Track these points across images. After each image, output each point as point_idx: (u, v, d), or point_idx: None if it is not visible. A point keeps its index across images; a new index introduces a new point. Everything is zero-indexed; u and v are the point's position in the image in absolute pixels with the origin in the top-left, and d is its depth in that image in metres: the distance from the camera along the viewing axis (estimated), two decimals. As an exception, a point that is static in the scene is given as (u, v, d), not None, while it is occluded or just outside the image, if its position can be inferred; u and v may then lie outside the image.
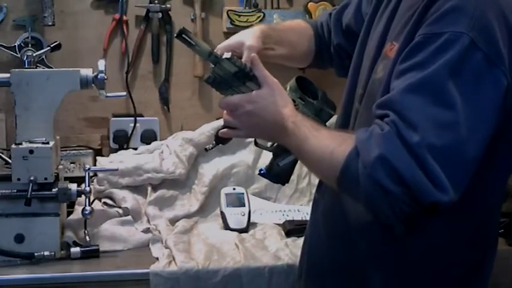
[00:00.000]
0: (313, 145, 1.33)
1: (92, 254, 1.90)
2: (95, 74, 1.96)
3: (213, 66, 1.45)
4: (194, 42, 1.43)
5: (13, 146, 1.88)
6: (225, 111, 1.48)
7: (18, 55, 2.39)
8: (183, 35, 1.41)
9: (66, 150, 2.39)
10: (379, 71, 1.36)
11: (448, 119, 1.20)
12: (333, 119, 1.62)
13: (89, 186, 1.91)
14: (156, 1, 2.54)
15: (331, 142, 1.31)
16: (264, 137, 1.53)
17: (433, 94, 1.21)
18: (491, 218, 1.42)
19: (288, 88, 1.57)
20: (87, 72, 1.96)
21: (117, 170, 2.12)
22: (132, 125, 2.52)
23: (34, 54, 2.31)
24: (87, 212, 1.89)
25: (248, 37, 1.53)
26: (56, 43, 2.34)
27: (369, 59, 1.45)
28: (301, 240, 1.69)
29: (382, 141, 1.21)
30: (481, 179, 1.28)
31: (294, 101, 1.52)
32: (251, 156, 2.34)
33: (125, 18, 2.53)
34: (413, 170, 1.18)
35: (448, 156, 1.19)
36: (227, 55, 1.44)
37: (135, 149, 2.40)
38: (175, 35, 1.44)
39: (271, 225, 2.14)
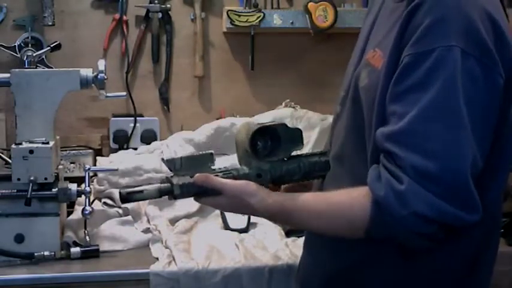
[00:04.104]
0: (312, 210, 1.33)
1: (91, 254, 1.90)
2: (95, 74, 1.96)
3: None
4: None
5: (13, 146, 1.88)
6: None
7: (18, 55, 2.39)
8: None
9: (66, 150, 2.39)
10: (363, 78, 1.35)
11: (463, 140, 1.19)
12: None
13: (89, 186, 1.91)
14: (156, 1, 2.54)
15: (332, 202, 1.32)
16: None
17: (446, 117, 1.20)
18: (495, 219, 1.41)
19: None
20: (87, 72, 1.96)
21: (117, 170, 2.12)
22: (132, 125, 2.52)
23: (34, 54, 2.31)
24: (87, 212, 1.89)
25: None
26: (56, 43, 2.35)
27: (352, 63, 1.45)
28: (301, 240, 1.69)
29: (408, 198, 1.19)
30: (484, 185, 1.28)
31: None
32: (251, 156, 2.34)
33: (125, 18, 2.54)
34: (439, 207, 1.18)
35: (470, 175, 1.19)
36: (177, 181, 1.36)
37: (135, 149, 2.40)
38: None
39: (271, 225, 2.14)
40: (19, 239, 1.87)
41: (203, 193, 1.37)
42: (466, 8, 1.22)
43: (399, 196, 1.19)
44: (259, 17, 2.52)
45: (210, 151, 1.45)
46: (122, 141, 2.51)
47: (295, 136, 1.42)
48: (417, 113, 1.20)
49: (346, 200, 1.29)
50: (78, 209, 2.07)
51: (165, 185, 1.37)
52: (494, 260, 1.43)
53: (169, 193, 1.37)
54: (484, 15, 1.23)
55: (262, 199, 1.35)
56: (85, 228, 1.98)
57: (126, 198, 1.35)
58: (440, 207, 1.18)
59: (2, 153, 2.06)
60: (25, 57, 2.32)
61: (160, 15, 2.54)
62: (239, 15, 2.52)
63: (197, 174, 1.36)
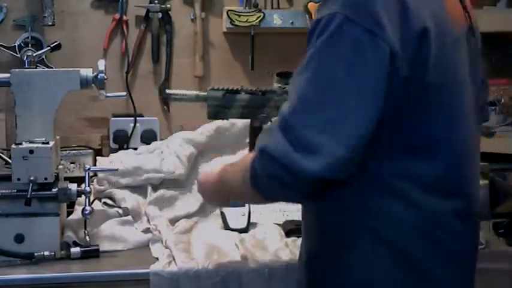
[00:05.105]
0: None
1: (91, 254, 1.90)
2: (95, 74, 1.96)
3: None
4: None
5: (13, 146, 1.88)
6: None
7: (18, 55, 2.39)
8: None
9: (66, 150, 2.39)
10: None
11: (311, 98, 1.25)
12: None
13: (89, 186, 1.91)
14: (156, 1, 2.54)
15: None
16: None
17: (312, 73, 1.26)
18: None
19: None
20: (87, 72, 1.96)
21: (117, 170, 2.12)
22: (132, 125, 2.52)
23: (34, 54, 2.31)
24: (87, 212, 1.89)
25: None
26: (56, 43, 2.35)
27: None
28: (300, 240, 1.69)
29: (267, 139, 1.30)
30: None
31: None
32: (251, 156, 2.34)
33: (125, 18, 2.54)
34: (286, 149, 1.25)
35: (327, 129, 1.23)
36: None
37: (135, 149, 2.40)
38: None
39: (271, 225, 2.14)
40: (19, 239, 1.87)
41: None
42: None
43: (264, 137, 1.31)
44: (259, 17, 2.52)
45: None
46: (122, 141, 2.51)
47: None
48: (300, 79, 1.28)
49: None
50: (78, 209, 2.07)
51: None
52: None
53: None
54: None
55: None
56: (85, 228, 1.98)
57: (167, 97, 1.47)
58: (284, 148, 1.24)
59: (2, 153, 2.06)
60: (25, 57, 2.32)
61: (160, 15, 2.54)
62: (239, 15, 2.52)
63: None
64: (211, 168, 1.74)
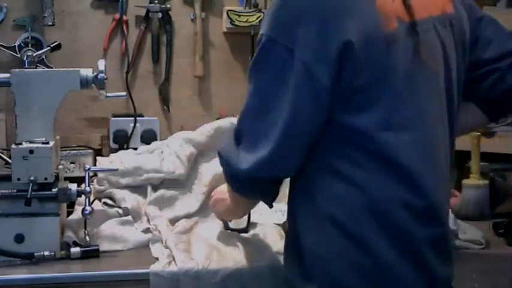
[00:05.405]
0: None
1: (91, 254, 1.90)
2: (95, 74, 1.96)
3: None
4: None
5: (13, 146, 1.88)
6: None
7: (18, 55, 2.39)
8: None
9: (66, 150, 2.39)
10: None
11: (253, 105, 1.44)
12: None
13: (89, 186, 1.91)
14: (156, 1, 2.54)
15: None
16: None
17: (253, 86, 1.45)
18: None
19: None
20: (87, 72, 1.96)
21: (117, 170, 2.12)
22: (132, 125, 2.52)
23: (34, 54, 2.31)
24: (87, 212, 1.89)
25: None
26: (56, 43, 2.35)
27: None
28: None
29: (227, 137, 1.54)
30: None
31: None
32: (251, 156, 2.34)
33: (125, 18, 2.54)
34: (231, 150, 1.49)
35: (264, 133, 1.41)
36: None
37: (135, 149, 2.40)
38: None
39: (271, 225, 2.14)
40: (19, 239, 1.87)
41: None
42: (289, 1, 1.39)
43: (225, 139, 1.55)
44: (259, 17, 2.52)
45: None
46: (122, 141, 2.51)
47: None
48: (248, 90, 1.47)
49: None
50: (78, 209, 2.07)
51: None
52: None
53: None
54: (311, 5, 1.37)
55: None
56: (85, 228, 1.98)
57: None
58: (230, 149, 1.49)
59: (2, 153, 2.06)
60: (25, 57, 2.32)
61: (160, 15, 2.55)
62: (239, 15, 2.52)
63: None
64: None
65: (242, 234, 2.07)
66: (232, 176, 1.51)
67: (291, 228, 1.55)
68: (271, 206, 1.63)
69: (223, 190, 1.78)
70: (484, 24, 1.63)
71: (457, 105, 1.55)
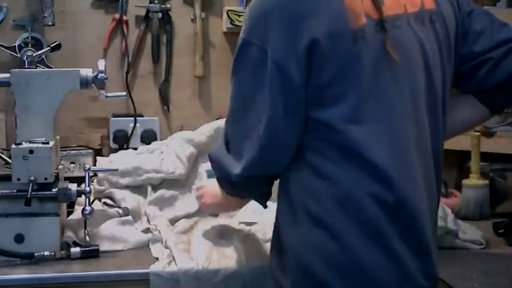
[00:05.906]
0: None
1: (91, 254, 1.90)
2: (95, 74, 1.96)
3: None
4: None
5: (13, 146, 1.88)
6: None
7: (18, 55, 2.39)
8: None
9: (66, 150, 2.39)
10: None
11: (234, 108, 1.50)
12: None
13: (89, 186, 1.91)
14: (156, 1, 2.54)
15: None
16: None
17: (234, 89, 1.50)
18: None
19: None
20: (87, 72, 1.96)
21: (117, 170, 2.12)
22: (132, 125, 2.52)
23: (34, 54, 2.32)
24: (87, 212, 1.89)
25: None
26: (56, 43, 2.35)
27: None
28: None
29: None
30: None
31: None
32: (251, 156, 2.34)
33: (125, 18, 2.54)
34: (221, 153, 1.54)
35: (247, 135, 1.46)
36: None
37: (135, 149, 2.40)
38: None
39: (271, 225, 2.14)
40: (19, 239, 1.87)
41: None
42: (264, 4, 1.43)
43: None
44: (259, 17, 2.52)
45: None
46: (122, 141, 2.52)
47: None
48: (230, 93, 1.51)
49: None
50: (78, 209, 2.07)
51: None
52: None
53: None
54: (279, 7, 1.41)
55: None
56: (85, 228, 1.98)
57: None
58: (220, 152, 1.55)
59: (2, 153, 2.06)
60: (25, 57, 2.32)
61: (160, 15, 2.55)
62: (239, 15, 2.52)
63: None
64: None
65: (242, 234, 2.07)
66: (224, 179, 1.57)
67: (275, 220, 1.59)
68: (265, 207, 1.65)
69: (215, 185, 1.77)
70: (474, 17, 1.63)
71: (442, 104, 1.53)
